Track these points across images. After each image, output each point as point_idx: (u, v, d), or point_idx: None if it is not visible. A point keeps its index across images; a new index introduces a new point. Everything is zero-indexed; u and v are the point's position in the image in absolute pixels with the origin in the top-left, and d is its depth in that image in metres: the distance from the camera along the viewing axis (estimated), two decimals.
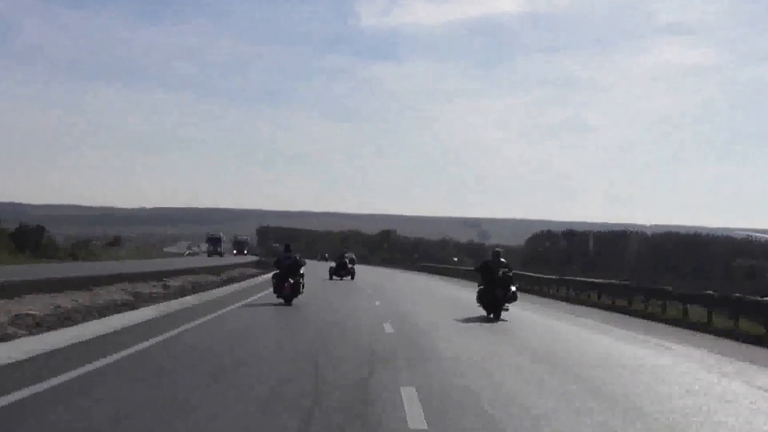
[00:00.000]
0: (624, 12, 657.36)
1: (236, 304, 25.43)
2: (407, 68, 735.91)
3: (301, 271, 25.63)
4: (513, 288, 22.71)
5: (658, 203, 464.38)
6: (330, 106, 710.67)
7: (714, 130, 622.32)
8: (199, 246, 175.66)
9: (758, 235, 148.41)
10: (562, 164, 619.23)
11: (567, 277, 45.87)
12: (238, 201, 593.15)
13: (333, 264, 52.37)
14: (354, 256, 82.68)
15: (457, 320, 21.98)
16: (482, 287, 22.70)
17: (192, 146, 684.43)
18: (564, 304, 35.76)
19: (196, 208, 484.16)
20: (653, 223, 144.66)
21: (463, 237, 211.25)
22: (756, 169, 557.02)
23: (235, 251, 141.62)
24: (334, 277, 49.53)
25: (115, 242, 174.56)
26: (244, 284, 39.46)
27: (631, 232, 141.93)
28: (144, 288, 27.74)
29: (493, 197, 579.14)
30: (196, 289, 30.49)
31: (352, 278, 49.55)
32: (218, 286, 34.23)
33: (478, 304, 22.92)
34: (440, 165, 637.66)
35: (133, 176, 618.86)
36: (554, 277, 47.17)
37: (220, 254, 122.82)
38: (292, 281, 24.68)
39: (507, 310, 22.50)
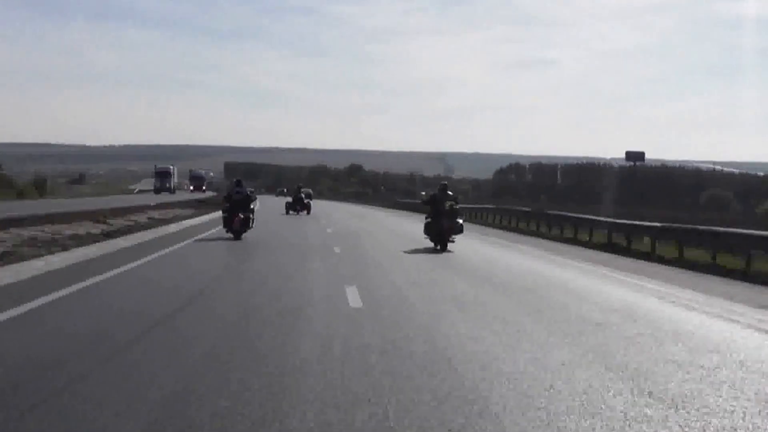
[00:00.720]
0: None
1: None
2: (372, 5, 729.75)
3: (252, 206, 25.59)
4: (460, 220, 22.89)
5: (620, 137, 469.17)
6: (297, 43, 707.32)
7: (674, 64, 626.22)
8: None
9: (725, 169, 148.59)
10: (526, 99, 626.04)
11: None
12: (207, 137, 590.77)
13: (289, 199, 52.24)
14: (311, 191, 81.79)
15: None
16: (429, 219, 22.91)
17: (161, 83, 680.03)
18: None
19: (166, 145, 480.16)
20: (614, 156, 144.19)
21: (429, 171, 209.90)
22: (715, 102, 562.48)
23: (192, 187, 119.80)
24: (291, 212, 49.48)
25: (80, 179, 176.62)
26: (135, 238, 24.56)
27: (600, 164, 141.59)
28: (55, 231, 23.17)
29: (458, 132, 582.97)
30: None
31: (308, 213, 49.76)
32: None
33: (426, 236, 23.13)
34: (406, 100, 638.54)
35: (102, 113, 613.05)
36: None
37: (170, 190, 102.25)
38: (242, 216, 24.42)
39: (453, 241, 22.62)
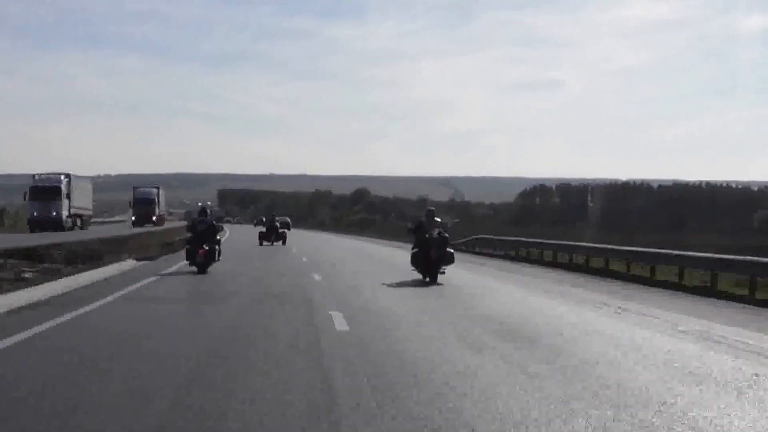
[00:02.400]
0: None
1: None
2: (372, 28, 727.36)
3: (218, 237, 24.47)
4: (450, 249, 21.27)
5: (629, 158, 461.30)
6: (294, 68, 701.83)
7: (682, 84, 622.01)
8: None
9: None
10: (531, 121, 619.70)
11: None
12: (203, 165, 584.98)
13: (263, 228, 48.44)
14: (289, 220, 79.80)
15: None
16: (416, 249, 21.32)
17: (154, 111, 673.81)
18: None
19: (161, 174, 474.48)
20: (628, 177, 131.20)
21: (435, 196, 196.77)
22: (725, 122, 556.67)
23: (133, 218, 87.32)
24: (264, 243, 45.73)
25: None
26: None
27: (636, 184, 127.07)
28: None
29: (462, 155, 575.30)
30: None
31: (283, 243, 46.31)
32: None
33: (413, 268, 21.47)
34: (408, 124, 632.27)
35: (95, 142, 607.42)
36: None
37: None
38: (207, 248, 22.92)
39: (444, 273, 21.01)
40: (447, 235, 21.64)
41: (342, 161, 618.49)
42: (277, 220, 49.73)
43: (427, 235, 21.26)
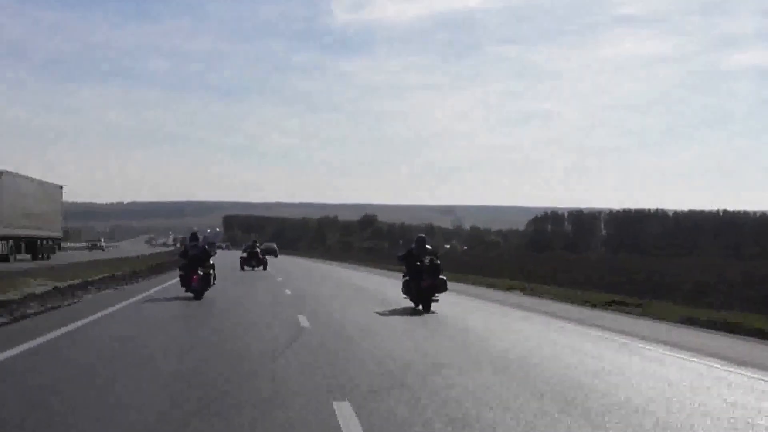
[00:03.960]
0: (584, 3, 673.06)
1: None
2: (378, 63, 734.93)
3: (211, 261, 23.17)
4: (442, 277, 20.25)
5: (624, 187, 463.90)
6: (302, 100, 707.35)
7: (676, 116, 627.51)
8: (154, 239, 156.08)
9: None
10: (530, 151, 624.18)
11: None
12: (211, 194, 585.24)
13: (244, 254, 47.54)
14: (275, 247, 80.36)
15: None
16: (407, 278, 20.53)
17: (168, 140, 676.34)
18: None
19: (172, 202, 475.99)
20: (624, 206, 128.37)
21: (439, 224, 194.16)
22: (719, 152, 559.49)
23: None
24: (246, 268, 45.15)
25: (62, 237, 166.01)
26: None
27: (650, 212, 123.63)
28: None
29: (464, 185, 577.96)
30: None
31: (264, 268, 45.60)
32: None
33: (404, 296, 20.64)
34: (411, 155, 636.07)
35: (109, 171, 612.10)
36: None
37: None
38: (201, 273, 22.13)
39: (437, 300, 20.13)
40: (439, 262, 20.72)
41: (348, 190, 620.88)
42: (260, 246, 48.82)
43: (418, 263, 20.47)
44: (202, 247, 23.27)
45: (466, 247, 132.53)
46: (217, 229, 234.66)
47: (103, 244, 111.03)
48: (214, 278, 23.23)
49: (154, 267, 42.04)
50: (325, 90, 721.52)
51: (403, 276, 20.97)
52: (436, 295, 20.02)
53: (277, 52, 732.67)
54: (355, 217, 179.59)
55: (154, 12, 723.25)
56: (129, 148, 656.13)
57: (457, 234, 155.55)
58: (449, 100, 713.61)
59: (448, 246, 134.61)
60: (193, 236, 24.11)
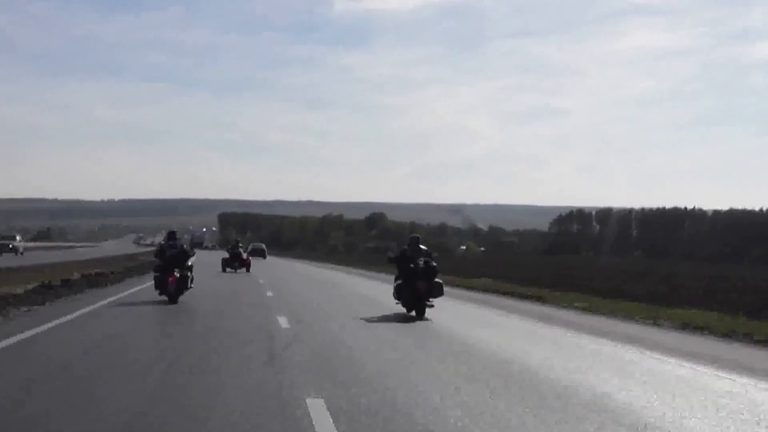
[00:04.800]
0: None
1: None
2: (378, 56, 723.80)
3: (189, 263, 22.08)
4: (438, 280, 19.39)
5: (637, 185, 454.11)
6: (301, 96, 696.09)
7: (689, 112, 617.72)
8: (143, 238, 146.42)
9: None
10: (540, 148, 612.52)
11: None
12: (208, 191, 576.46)
13: (226, 255, 47.27)
14: (264, 247, 78.70)
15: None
16: (400, 281, 19.50)
17: (160, 137, 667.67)
18: None
19: (165, 199, 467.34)
20: (643, 205, 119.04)
21: (450, 223, 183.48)
22: (733, 149, 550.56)
23: None
24: (228, 270, 44.07)
25: (43, 235, 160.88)
26: None
27: (687, 210, 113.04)
28: None
29: (471, 183, 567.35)
30: None
31: (248, 270, 44.50)
32: None
33: (396, 301, 19.60)
34: (415, 152, 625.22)
35: (99, 168, 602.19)
36: None
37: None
38: (178, 275, 21.12)
39: (432, 306, 18.97)
40: (435, 264, 19.66)
41: (349, 188, 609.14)
42: (242, 246, 48.27)
43: (412, 265, 19.37)
44: (181, 247, 22.58)
45: (483, 249, 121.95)
46: (213, 229, 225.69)
47: (19, 244, 72.11)
48: (192, 281, 22.40)
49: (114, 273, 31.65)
50: (323, 85, 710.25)
51: (395, 279, 20.13)
52: (431, 300, 19.18)
53: (274, 44, 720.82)
54: (356, 215, 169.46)
55: (146, 3, 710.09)
56: (120, 144, 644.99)
57: (470, 234, 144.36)
58: (454, 95, 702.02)
59: (464, 247, 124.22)
60: (171, 235, 23.32)
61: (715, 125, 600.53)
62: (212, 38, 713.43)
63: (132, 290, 24.71)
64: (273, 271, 48.05)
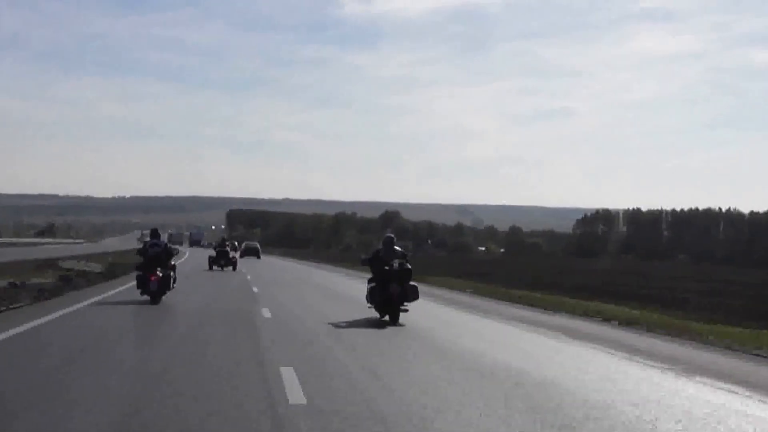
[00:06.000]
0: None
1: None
2: (387, 56, 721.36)
3: (172, 262, 22.16)
4: (413, 283, 18.68)
5: (643, 188, 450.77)
6: (310, 95, 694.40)
7: (695, 115, 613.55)
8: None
9: None
10: (547, 150, 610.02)
11: None
12: (217, 189, 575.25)
13: (213, 253, 46.11)
14: (258, 246, 77.86)
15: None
16: (373, 284, 18.66)
17: (171, 135, 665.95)
18: None
19: (175, 197, 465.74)
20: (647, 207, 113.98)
21: (452, 223, 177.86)
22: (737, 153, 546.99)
23: None
24: (214, 267, 43.64)
25: (47, 230, 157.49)
26: None
27: (722, 212, 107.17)
28: None
29: (478, 184, 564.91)
30: None
31: (234, 269, 43.90)
32: None
33: (369, 305, 18.70)
34: (422, 152, 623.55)
35: (111, 165, 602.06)
36: None
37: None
38: (160, 274, 20.84)
39: (407, 311, 18.20)
40: (410, 266, 18.73)
41: (357, 188, 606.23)
42: (229, 245, 48.36)
43: (386, 267, 18.47)
44: (164, 246, 22.48)
45: (502, 250, 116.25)
46: (222, 227, 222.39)
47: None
48: (175, 281, 22.16)
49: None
50: (331, 84, 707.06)
51: (368, 282, 19.27)
52: (406, 304, 18.30)
53: (284, 44, 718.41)
54: (363, 215, 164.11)
55: (155, 1, 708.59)
56: (130, 141, 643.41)
57: (488, 235, 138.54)
58: (462, 96, 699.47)
59: (483, 249, 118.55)
60: (154, 233, 23.34)
61: (722, 128, 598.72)
62: (222, 37, 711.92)
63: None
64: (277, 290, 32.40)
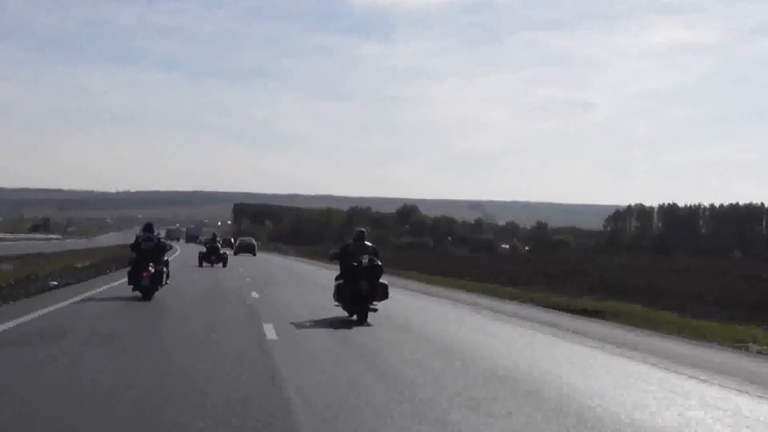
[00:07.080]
0: None
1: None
2: (396, 47, 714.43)
3: (166, 257, 22.03)
4: (383, 281, 17.91)
5: (658, 182, 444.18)
6: (318, 85, 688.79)
7: (711, 107, 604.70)
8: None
9: None
10: (560, 143, 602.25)
11: None
12: (223, 183, 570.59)
13: (203, 249, 46.65)
14: (253, 242, 77.29)
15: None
16: (341, 281, 17.97)
17: (176, 127, 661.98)
18: None
19: (181, 191, 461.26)
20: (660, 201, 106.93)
21: (469, 219, 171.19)
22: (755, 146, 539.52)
23: None
24: (205, 264, 43.93)
25: (42, 225, 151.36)
26: None
27: (765, 209, 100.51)
28: None
29: (489, 178, 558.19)
30: None
31: (224, 265, 44.29)
32: None
33: (336, 303, 18.04)
34: (431, 145, 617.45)
35: (115, 158, 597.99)
36: None
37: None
38: (153, 270, 20.63)
39: (376, 310, 17.34)
40: (380, 263, 17.94)
41: (365, 181, 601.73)
42: (219, 241, 48.51)
43: (355, 263, 17.71)
44: (157, 241, 21.96)
45: (528, 248, 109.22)
46: (229, 222, 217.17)
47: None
48: (168, 276, 21.97)
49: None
50: (339, 75, 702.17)
51: (336, 279, 18.50)
52: (375, 303, 17.56)
53: (293, 34, 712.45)
54: (375, 209, 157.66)
55: None
56: (135, 134, 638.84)
57: (512, 231, 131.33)
58: (473, 87, 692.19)
59: (507, 246, 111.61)
60: (148, 227, 22.62)
61: (737, 120, 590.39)
62: (230, 26, 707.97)
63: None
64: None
